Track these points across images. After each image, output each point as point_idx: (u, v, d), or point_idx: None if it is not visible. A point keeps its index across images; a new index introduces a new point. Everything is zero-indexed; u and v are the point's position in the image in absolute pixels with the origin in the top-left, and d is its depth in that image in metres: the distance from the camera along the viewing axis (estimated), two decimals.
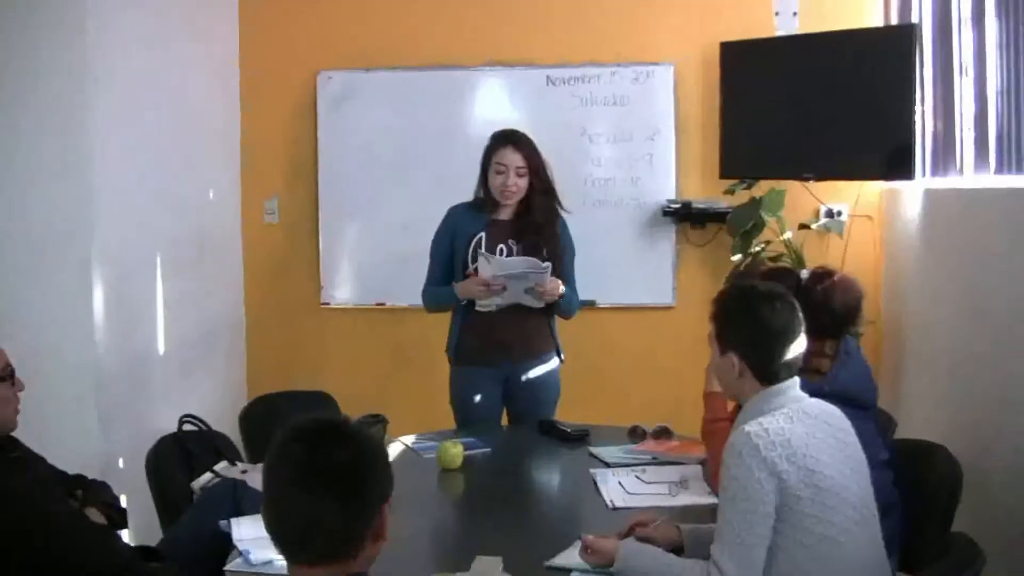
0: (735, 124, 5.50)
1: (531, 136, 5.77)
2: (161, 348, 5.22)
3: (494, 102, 5.96)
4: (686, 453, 3.82)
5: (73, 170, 4.47)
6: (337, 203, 6.12)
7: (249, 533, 3.02)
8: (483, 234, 4.43)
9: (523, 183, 4.41)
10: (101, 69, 4.55)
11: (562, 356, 4.61)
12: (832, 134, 5.16)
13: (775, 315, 2.68)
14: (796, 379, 2.72)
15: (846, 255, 5.34)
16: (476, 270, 4.38)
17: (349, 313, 6.12)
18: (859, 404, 3.30)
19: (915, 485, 3.36)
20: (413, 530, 3.15)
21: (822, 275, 3.54)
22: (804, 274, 3.61)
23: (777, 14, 5.68)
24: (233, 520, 3.16)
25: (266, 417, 4.64)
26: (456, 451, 3.83)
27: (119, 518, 3.37)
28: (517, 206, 4.46)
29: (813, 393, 3.02)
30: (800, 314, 2.72)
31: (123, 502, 3.60)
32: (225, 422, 4.58)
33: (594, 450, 3.97)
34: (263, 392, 5.09)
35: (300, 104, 6.15)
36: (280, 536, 1.98)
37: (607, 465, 3.79)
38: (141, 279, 5.08)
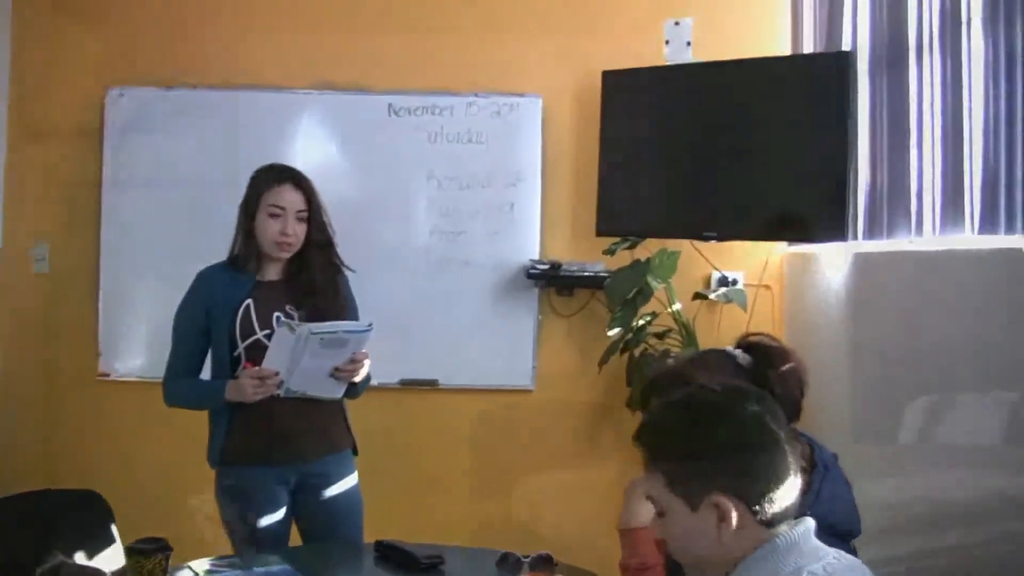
0: (617, 171, 4.58)
1: (368, 177, 4.88)
2: None
3: (322, 133, 4.94)
4: None
5: None
6: (124, 251, 4.98)
7: None
8: (250, 300, 3.46)
9: (302, 232, 3.50)
10: None
11: (357, 450, 3.68)
12: (742, 185, 4.27)
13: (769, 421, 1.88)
14: (808, 520, 1.88)
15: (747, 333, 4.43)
16: (245, 353, 3.43)
17: (135, 388, 4.92)
18: (843, 534, 2.33)
19: None
20: None
21: (768, 351, 2.55)
22: (736, 352, 2.61)
23: (668, 43, 4.77)
24: None
25: (9, 527, 3.48)
26: None
27: None
28: (288, 263, 3.54)
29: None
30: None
31: None
32: None
33: None
34: (23, 489, 3.86)
35: (83, 128, 5.01)
36: None
37: None
38: None
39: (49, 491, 3.86)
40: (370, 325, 3.41)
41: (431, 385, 4.91)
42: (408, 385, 4.93)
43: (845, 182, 3.98)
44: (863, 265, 3.97)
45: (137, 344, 4.99)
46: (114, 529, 3.67)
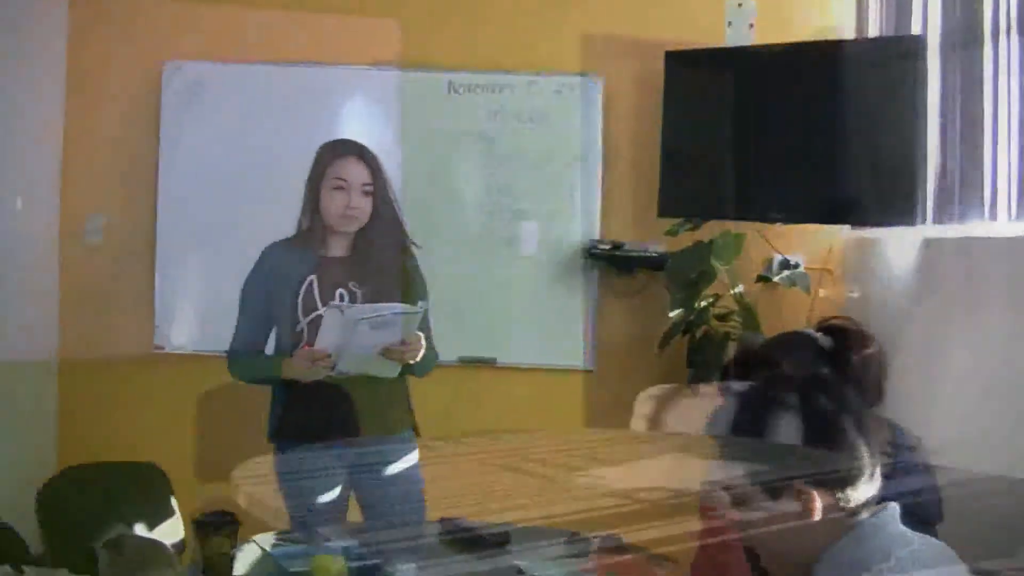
0: (679, 151, 4.53)
1: (428, 155, 4.84)
2: None
3: (381, 110, 4.90)
4: None
5: None
6: (180, 223, 4.96)
7: None
8: (313, 277, 3.40)
9: (367, 205, 3.42)
10: None
11: (419, 432, 3.62)
12: (808, 168, 4.24)
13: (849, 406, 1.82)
14: (893, 505, 1.80)
15: (811, 317, 4.39)
16: (308, 329, 3.36)
17: (190, 361, 4.90)
18: (926, 519, 2.30)
19: None
20: None
21: (849, 335, 2.53)
22: (817, 335, 2.59)
23: (729, 24, 4.71)
24: None
25: (73, 497, 3.51)
26: (338, 568, 2.71)
27: None
28: (353, 239, 3.46)
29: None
30: None
31: None
32: (25, 501, 3.43)
33: (524, 566, 2.88)
34: (81, 461, 3.93)
35: (140, 101, 4.99)
36: None
37: None
38: None
39: (109, 463, 3.87)
40: (421, 307, 3.37)
41: (489, 363, 4.90)
42: (467, 363, 4.91)
43: (914, 166, 3.93)
44: (932, 250, 3.92)
45: (193, 317, 4.98)
46: (173, 501, 3.66)
